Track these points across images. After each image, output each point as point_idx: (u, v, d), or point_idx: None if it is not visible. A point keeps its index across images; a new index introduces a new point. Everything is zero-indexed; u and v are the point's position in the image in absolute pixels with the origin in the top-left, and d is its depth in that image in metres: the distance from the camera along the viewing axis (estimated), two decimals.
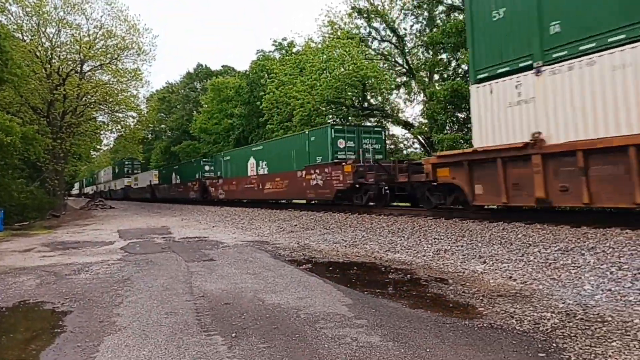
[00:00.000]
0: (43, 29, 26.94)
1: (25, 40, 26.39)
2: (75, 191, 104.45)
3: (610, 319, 4.70)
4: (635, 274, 5.91)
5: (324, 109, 28.10)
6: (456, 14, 25.83)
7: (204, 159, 33.94)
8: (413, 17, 29.60)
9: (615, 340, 4.10)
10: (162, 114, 61.65)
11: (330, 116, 29.28)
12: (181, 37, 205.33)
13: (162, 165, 52.27)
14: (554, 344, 4.10)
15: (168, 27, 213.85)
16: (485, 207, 11.61)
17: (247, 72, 41.95)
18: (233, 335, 4.58)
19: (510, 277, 6.76)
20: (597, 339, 4.18)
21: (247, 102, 37.92)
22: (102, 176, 70.30)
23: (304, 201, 21.30)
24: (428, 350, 4.06)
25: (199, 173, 32.59)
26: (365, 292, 6.31)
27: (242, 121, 38.63)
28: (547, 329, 4.50)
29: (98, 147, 43.64)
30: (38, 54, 26.41)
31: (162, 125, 63.14)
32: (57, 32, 27.44)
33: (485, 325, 4.70)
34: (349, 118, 28.91)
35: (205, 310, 5.53)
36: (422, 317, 5.05)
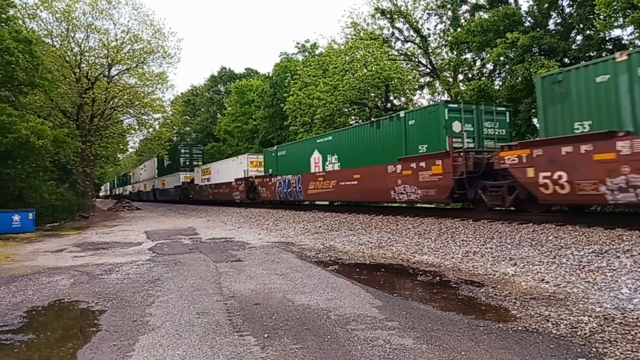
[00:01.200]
0: (72, 34, 27.58)
1: (55, 46, 27.07)
2: (103, 193, 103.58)
3: None
4: None
5: (346, 109, 28.09)
6: (481, 13, 25.50)
7: (250, 155, 29.17)
8: (437, 16, 29.38)
9: None
10: (187, 117, 62.54)
11: (353, 117, 29.24)
12: (205, 40, 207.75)
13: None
14: (594, 349, 4.00)
15: (192, 30, 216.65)
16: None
17: (270, 75, 42.23)
18: (265, 335, 4.60)
19: (543, 280, 6.63)
20: (638, 343, 4.07)
21: (270, 104, 38.16)
22: (141, 173, 57.31)
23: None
24: (463, 353, 4.00)
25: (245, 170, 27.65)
26: (395, 294, 6.26)
27: (266, 123, 38.89)
28: (585, 333, 4.39)
29: (124, 149, 44.42)
30: (67, 58, 27.05)
31: (187, 128, 63.99)
32: (85, 37, 28.07)
33: (520, 328, 4.62)
34: (371, 119, 28.83)
35: (236, 310, 5.56)
36: (454, 320, 4.99)
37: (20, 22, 24.29)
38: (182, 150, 42.60)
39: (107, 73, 29.46)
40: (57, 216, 23.70)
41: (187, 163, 41.75)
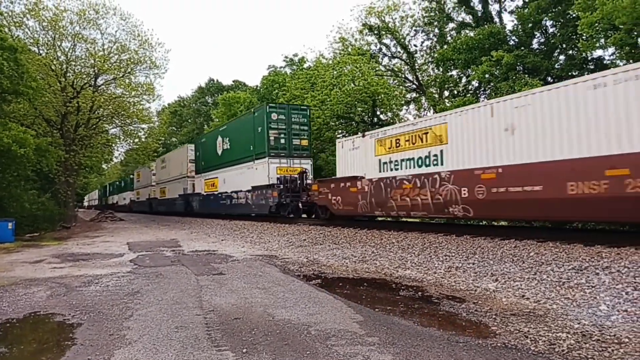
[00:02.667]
0: (59, 43, 27.38)
1: (41, 54, 26.84)
2: (87, 202, 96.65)
3: (627, 340, 4.61)
4: None
5: (333, 123, 28.23)
6: (467, 31, 25.93)
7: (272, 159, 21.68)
8: (424, 33, 29.88)
9: None
10: (174, 127, 62.28)
11: (340, 131, 29.40)
12: (194, 51, 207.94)
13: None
14: None
15: (180, 42, 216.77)
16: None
17: (258, 87, 42.33)
18: (244, 350, 4.55)
19: (523, 296, 6.67)
20: None
21: None
22: (147, 177, 44.95)
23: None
24: None
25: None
26: (376, 309, 6.25)
27: None
28: (563, 350, 4.41)
29: (109, 159, 43.95)
30: (53, 67, 26.82)
31: (174, 139, 63.71)
32: (72, 46, 27.87)
33: (499, 344, 4.63)
34: (359, 133, 29.01)
35: (215, 324, 5.50)
36: (434, 336, 4.98)
37: (6, 29, 24.09)
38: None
39: (93, 82, 29.24)
40: (38, 226, 23.29)
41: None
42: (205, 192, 30.33)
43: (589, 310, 5.68)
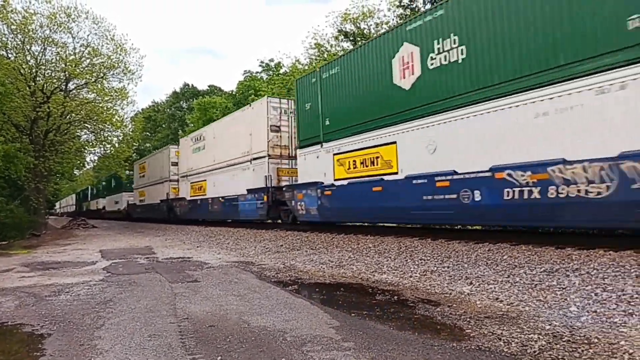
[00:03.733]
0: (28, 47, 26.80)
1: (9, 58, 26.21)
2: (68, 208, 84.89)
3: (596, 340, 4.71)
4: (619, 296, 5.97)
5: None
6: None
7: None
8: None
9: None
10: (148, 133, 61.41)
11: None
12: (168, 56, 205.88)
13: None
14: None
15: (155, 46, 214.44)
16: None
17: (234, 92, 42.13)
18: (218, 358, 4.49)
19: (497, 299, 6.77)
20: None
21: None
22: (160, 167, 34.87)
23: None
24: None
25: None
26: (353, 314, 6.25)
27: None
28: (534, 351, 4.49)
29: (81, 165, 43.09)
30: (22, 71, 26.21)
31: (147, 144, 62.81)
32: (42, 50, 27.32)
33: (473, 347, 4.68)
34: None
35: (189, 332, 5.42)
36: (409, 340, 5.01)
37: None
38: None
39: (64, 87, 28.68)
40: (6, 234, 22.64)
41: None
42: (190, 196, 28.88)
43: (559, 312, 5.80)
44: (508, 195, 9.33)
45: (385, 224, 16.39)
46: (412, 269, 9.26)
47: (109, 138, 32.65)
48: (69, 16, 27.61)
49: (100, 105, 29.96)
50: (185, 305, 6.88)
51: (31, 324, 6.13)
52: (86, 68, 28.57)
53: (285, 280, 9.13)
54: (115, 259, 13.43)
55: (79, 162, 38.18)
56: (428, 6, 27.74)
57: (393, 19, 30.18)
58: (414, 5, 28.22)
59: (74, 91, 29.77)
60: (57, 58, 27.75)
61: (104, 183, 54.48)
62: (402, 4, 28.71)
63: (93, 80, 29.03)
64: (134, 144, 43.02)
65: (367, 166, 13.57)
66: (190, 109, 56.01)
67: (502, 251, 9.26)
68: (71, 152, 32.32)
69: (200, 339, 5.16)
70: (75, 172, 56.38)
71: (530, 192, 8.89)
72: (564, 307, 5.96)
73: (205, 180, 26.83)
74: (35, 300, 7.63)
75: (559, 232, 11.56)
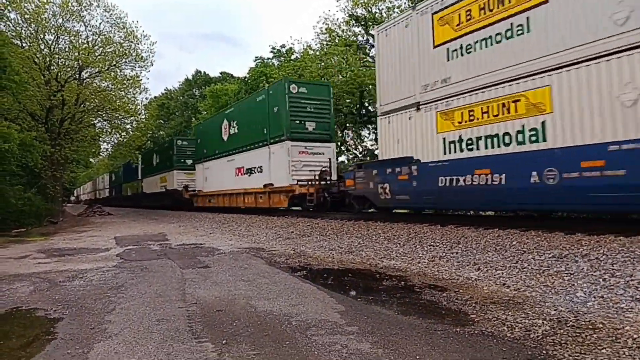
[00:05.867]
0: (41, 36, 27.07)
1: (24, 47, 26.50)
2: (97, 193, 75.57)
3: (601, 325, 4.70)
4: (627, 281, 5.92)
5: None
6: None
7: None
8: None
9: (605, 348, 4.10)
10: (161, 121, 61.81)
11: None
12: (181, 43, 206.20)
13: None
14: (544, 351, 4.10)
15: (168, 33, 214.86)
16: None
17: (246, 79, 42.13)
18: (224, 342, 4.58)
19: (504, 284, 6.76)
20: (587, 346, 4.18)
21: None
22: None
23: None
24: (418, 357, 4.05)
25: None
26: (359, 299, 6.30)
27: None
28: (538, 336, 4.49)
29: (97, 153, 43.64)
30: (37, 60, 26.51)
31: (161, 132, 63.27)
32: (55, 39, 27.56)
33: (476, 332, 4.70)
34: (347, 125, 29.01)
35: (197, 317, 5.52)
36: (414, 324, 5.05)
37: None
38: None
39: (77, 76, 28.95)
40: (24, 222, 23.11)
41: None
42: None
43: (566, 297, 5.78)
44: None
45: (397, 210, 16.18)
46: (420, 255, 9.27)
47: (123, 126, 32.98)
48: (81, 4, 27.78)
49: (113, 93, 30.23)
50: (195, 291, 7.00)
51: (44, 308, 6.29)
52: (99, 56, 28.79)
53: (294, 266, 9.22)
54: (129, 246, 13.65)
55: (94, 150, 38.66)
56: None
57: (405, 2, 29.85)
58: None
59: (88, 79, 30.03)
60: (70, 46, 28.01)
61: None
62: None
63: (106, 68, 29.25)
64: (148, 131, 43.37)
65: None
66: (203, 96, 56.21)
67: (511, 237, 9.21)
68: (86, 140, 32.73)
69: (207, 323, 5.26)
70: (91, 160, 57.07)
71: None
72: (570, 292, 5.93)
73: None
74: (49, 286, 7.82)
75: (571, 217, 11.46)
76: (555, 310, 5.33)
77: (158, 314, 5.70)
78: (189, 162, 32.53)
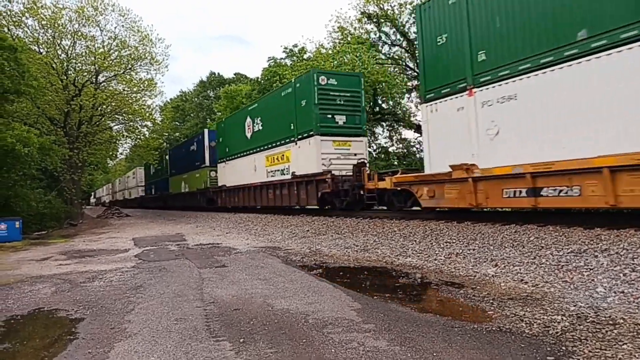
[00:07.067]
0: (59, 41, 27.48)
1: (41, 53, 26.96)
2: (107, 197, 75.77)
3: (622, 321, 4.64)
4: None
5: None
6: None
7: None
8: None
9: (626, 343, 4.04)
10: (177, 122, 62.38)
11: None
12: (195, 45, 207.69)
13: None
14: (563, 347, 4.06)
15: (181, 36, 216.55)
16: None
17: (259, 79, 42.29)
18: (241, 340, 4.62)
19: (522, 280, 6.70)
20: (607, 342, 4.13)
21: None
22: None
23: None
24: (435, 354, 4.04)
25: None
26: (375, 297, 6.30)
27: None
28: (557, 332, 4.45)
29: (114, 155, 44.20)
30: (54, 65, 26.94)
31: (177, 134, 63.85)
32: (72, 44, 27.97)
33: (494, 328, 4.67)
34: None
35: (214, 316, 5.58)
36: (430, 321, 5.03)
37: (6, 29, 24.20)
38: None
39: (94, 80, 29.37)
40: (45, 224, 23.56)
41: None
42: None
43: (585, 293, 5.71)
44: None
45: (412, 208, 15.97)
46: (437, 252, 9.22)
47: (139, 129, 33.37)
48: (96, 9, 28.16)
49: (130, 96, 30.58)
50: (212, 290, 7.06)
51: (66, 309, 6.41)
52: (115, 60, 29.16)
53: (310, 265, 9.25)
54: (147, 247, 13.82)
55: (111, 153, 39.15)
56: None
57: None
58: None
59: (104, 83, 30.43)
60: (87, 51, 28.39)
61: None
62: None
63: (122, 72, 29.63)
64: (164, 133, 43.81)
65: None
66: (217, 98, 56.58)
67: (529, 232, 9.10)
68: (103, 142, 33.18)
69: (224, 322, 5.31)
70: (109, 163, 57.80)
71: None
72: (590, 288, 5.86)
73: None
74: (70, 287, 7.96)
75: (591, 211, 11.27)
76: (574, 306, 5.27)
77: (176, 313, 5.77)
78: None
